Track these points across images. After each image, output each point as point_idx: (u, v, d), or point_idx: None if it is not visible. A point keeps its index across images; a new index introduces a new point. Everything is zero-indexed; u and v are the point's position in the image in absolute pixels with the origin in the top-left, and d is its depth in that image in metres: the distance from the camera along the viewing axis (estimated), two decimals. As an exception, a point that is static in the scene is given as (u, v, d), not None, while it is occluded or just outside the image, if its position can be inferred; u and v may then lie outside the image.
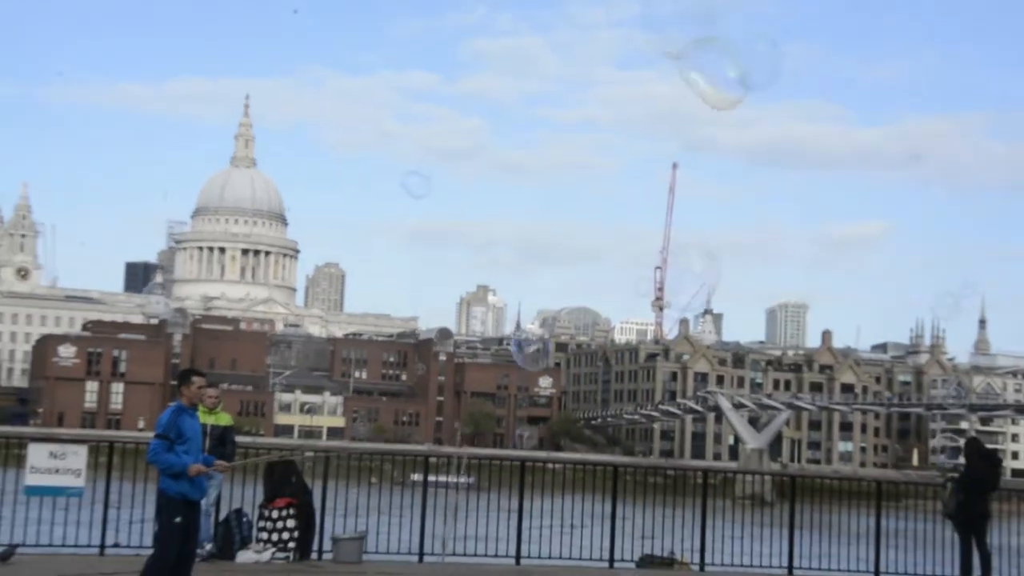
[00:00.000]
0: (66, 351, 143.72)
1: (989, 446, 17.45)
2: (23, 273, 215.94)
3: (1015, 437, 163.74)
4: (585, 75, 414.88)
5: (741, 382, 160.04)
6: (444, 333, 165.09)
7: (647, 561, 18.42)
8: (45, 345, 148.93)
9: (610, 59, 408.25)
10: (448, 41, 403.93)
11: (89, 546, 15.14)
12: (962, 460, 17.19)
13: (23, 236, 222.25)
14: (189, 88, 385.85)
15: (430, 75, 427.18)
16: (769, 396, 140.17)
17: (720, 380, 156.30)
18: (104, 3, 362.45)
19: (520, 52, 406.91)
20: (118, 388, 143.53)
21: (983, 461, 16.44)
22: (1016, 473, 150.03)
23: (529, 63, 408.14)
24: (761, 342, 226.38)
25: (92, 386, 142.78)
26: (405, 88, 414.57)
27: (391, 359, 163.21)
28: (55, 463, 14.80)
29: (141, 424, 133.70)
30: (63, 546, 15.43)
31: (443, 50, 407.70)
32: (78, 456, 14.92)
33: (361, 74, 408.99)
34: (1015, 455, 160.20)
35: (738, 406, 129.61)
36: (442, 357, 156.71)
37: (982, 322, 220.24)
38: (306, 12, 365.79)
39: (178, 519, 9.68)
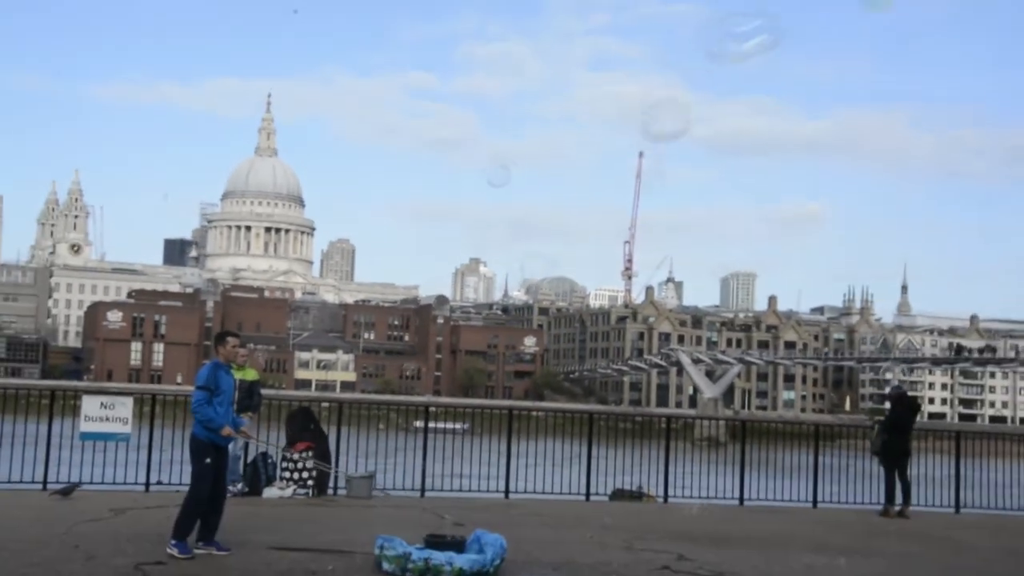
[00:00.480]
0: (114, 316, 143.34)
1: (910, 393, 17.57)
2: (76, 249, 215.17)
3: (931, 385, 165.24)
4: (563, 76, 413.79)
5: (699, 341, 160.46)
6: (441, 300, 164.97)
7: (619, 494, 18.53)
8: (95, 311, 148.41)
9: (585, 62, 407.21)
10: (445, 45, 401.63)
11: (136, 484, 15.17)
12: (887, 405, 17.31)
13: (76, 217, 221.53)
14: (219, 87, 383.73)
15: (428, 75, 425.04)
16: (723, 352, 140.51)
17: (681, 339, 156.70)
18: (145, 9, 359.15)
19: (508, 55, 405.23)
20: (159, 348, 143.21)
21: (904, 406, 16.56)
22: (932, 416, 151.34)
23: (515, 65, 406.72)
24: (716, 306, 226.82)
25: (136, 346, 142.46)
26: (407, 86, 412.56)
27: (395, 322, 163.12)
28: (105, 412, 14.80)
29: (179, 379, 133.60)
30: (114, 484, 15.47)
31: (440, 53, 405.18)
32: (125, 406, 14.92)
33: (368, 74, 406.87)
34: (931, 400, 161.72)
35: (696, 361, 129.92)
36: (440, 320, 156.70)
37: (904, 288, 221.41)
38: (319, 19, 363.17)
39: (208, 460, 9.61)
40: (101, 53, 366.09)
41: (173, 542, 9.33)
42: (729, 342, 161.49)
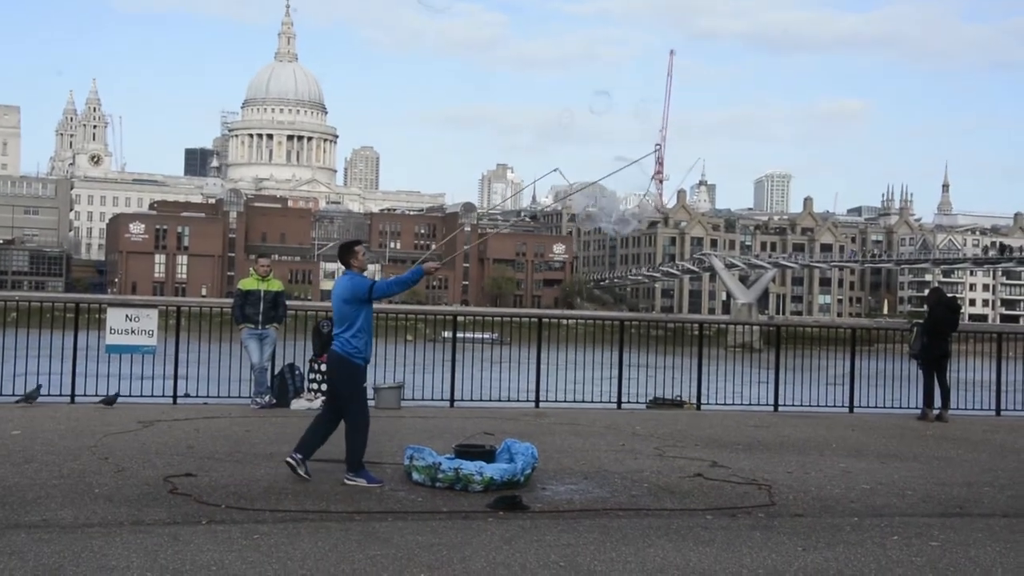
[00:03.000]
0: (136, 228, 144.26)
1: (949, 295, 17.40)
2: (96, 159, 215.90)
3: (972, 287, 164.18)
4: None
5: (732, 245, 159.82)
6: (468, 207, 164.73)
7: (657, 403, 18.58)
8: (118, 223, 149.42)
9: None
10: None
11: (164, 396, 15.40)
12: (926, 308, 17.17)
13: (95, 127, 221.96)
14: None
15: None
16: (757, 257, 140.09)
17: (714, 244, 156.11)
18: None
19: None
20: (182, 260, 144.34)
21: (944, 308, 16.42)
22: (973, 318, 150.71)
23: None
24: (750, 209, 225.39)
25: (160, 259, 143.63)
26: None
27: (421, 231, 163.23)
28: (130, 325, 14.95)
29: (204, 291, 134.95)
30: (141, 396, 15.71)
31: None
32: (150, 318, 15.06)
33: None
34: (972, 302, 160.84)
35: (730, 266, 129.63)
36: (467, 228, 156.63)
37: (945, 186, 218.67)
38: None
39: (365, 384, 9.22)
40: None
41: (352, 475, 8.83)
42: (763, 246, 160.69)
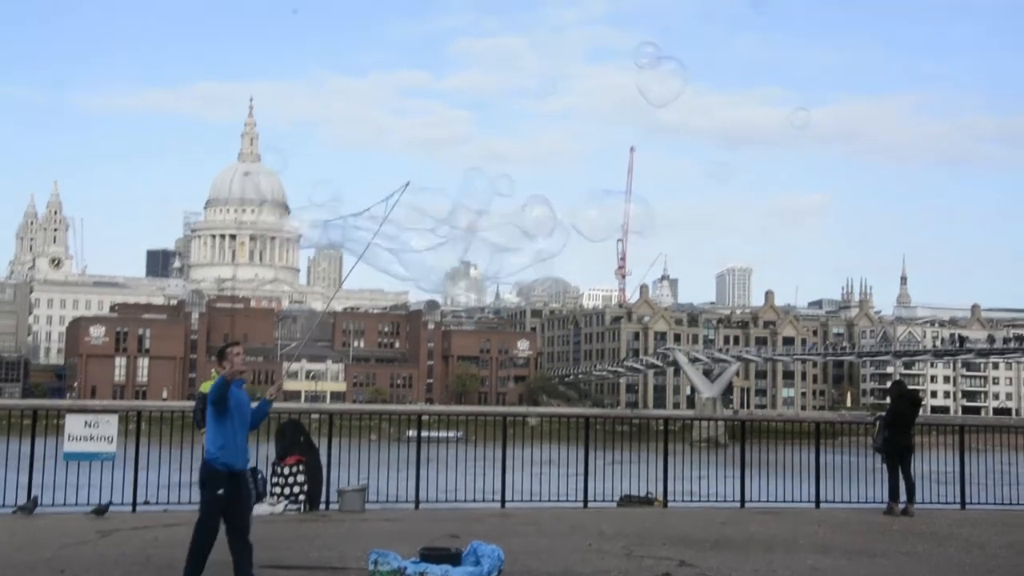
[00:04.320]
0: (96, 331, 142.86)
1: (911, 387, 17.58)
2: (56, 263, 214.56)
3: (933, 378, 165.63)
4: (559, 70, 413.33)
5: (696, 339, 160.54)
6: (432, 304, 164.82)
7: (627, 501, 18.48)
8: (78, 326, 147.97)
9: (580, 55, 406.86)
10: (437, 43, 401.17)
11: (122, 504, 15.10)
12: (888, 400, 17.31)
13: (55, 230, 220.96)
14: (202, 92, 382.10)
15: (421, 73, 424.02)
16: (720, 350, 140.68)
17: (677, 338, 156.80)
18: (124, 14, 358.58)
19: (502, 51, 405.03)
20: (143, 363, 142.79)
21: (905, 401, 16.58)
22: (935, 410, 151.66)
23: (510, 60, 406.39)
24: (712, 303, 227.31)
25: (120, 362, 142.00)
26: (398, 86, 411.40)
27: (385, 329, 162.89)
28: (90, 431, 14.74)
29: (165, 394, 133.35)
30: (99, 504, 15.40)
31: (433, 51, 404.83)
32: (110, 424, 14.86)
33: (357, 75, 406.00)
34: (933, 394, 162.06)
35: (693, 360, 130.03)
36: (430, 326, 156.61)
37: (903, 279, 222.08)
38: (305, 18, 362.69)
39: (220, 491, 8.81)
40: (78, 60, 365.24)
41: None
42: (726, 340, 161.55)
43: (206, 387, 14.68)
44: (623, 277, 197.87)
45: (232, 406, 8.93)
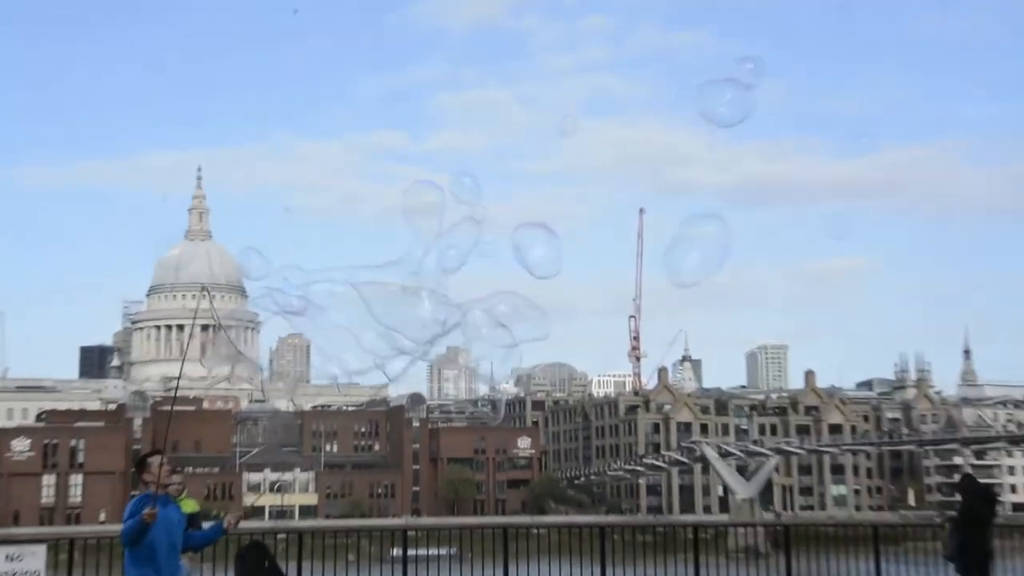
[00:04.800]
0: (20, 444, 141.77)
1: (984, 481, 17.42)
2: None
3: (1011, 469, 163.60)
4: (553, 124, 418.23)
5: (726, 429, 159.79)
6: (416, 399, 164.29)
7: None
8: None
9: (577, 106, 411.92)
10: (413, 98, 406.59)
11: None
12: (958, 498, 17.12)
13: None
14: (144, 163, 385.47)
15: (396, 133, 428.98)
16: (756, 442, 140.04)
17: (704, 429, 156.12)
18: (56, 78, 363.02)
19: (487, 104, 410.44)
20: (77, 480, 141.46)
21: (979, 498, 16.38)
22: (1016, 507, 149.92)
23: (496, 115, 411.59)
24: (743, 387, 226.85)
25: (49, 480, 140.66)
26: (370, 148, 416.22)
27: (362, 429, 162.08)
28: (12, 566, 14.51)
29: (102, 517, 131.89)
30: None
31: (408, 108, 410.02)
32: (36, 557, 14.63)
33: (323, 136, 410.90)
34: (1013, 488, 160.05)
35: (725, 455, 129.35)
36: (415, 423, 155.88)
37: (967, 352, 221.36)
38: (263, 76, 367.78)
39: None
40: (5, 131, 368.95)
41: None
42: (762, 429, 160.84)
43: (189, 506, 14.51)
44: (637, 359, 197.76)
45: (154, 539, 8.78)
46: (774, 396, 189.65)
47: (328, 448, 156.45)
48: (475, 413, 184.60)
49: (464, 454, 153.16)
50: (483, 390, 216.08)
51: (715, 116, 13.82)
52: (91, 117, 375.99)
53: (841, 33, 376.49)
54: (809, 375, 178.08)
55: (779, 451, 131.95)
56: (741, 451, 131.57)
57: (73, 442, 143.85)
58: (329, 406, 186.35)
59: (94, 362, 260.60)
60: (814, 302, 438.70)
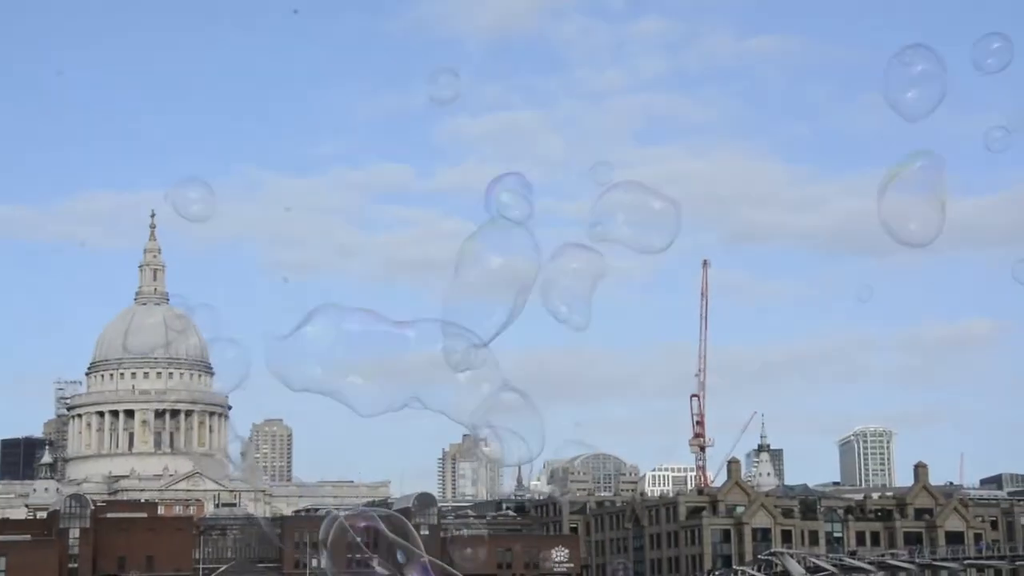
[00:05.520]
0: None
1: None
2: None
3: None
4: (596, 155, 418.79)
5: (814, 538, 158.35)
6: (425, 499, 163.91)
7: None
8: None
9: (628, 133, 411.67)
10: (419, 124, 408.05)
11: None
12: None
13: None
14: (82, 207, 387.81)
15: (398, 167, 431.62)
16: (852, 554, 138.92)
17: (787, 537, 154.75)
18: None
19: (511, 131, 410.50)
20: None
21: None
22: None
23: (524, 144, 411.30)
24: (835, 484, 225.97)
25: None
26: (367, 186, 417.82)
27: (358, 539, 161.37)
28: None
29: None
30: None
31: (413, 135, 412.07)
32: None
33: (309, 173, 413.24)
34: None
35: (813, 570, 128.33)
36: (424, 531, 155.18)
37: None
38: (231, 98, 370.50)
39: None
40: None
41: None
42: (860, 538, 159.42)
43: None
44: (701, 449, 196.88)
45: None
46: (875, 496, 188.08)
47: (315, 564, 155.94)
48: (499, 517, 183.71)
49: (486, 569, 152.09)
50: (509, 488, 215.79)
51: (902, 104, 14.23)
52: (8, 153, 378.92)
53: (963, 35, 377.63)
54: (920, 469, 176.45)
55: (883, 565, 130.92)
56: (834, 565, 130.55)
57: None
58: (317, 510, 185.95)
59: (20, 458, 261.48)
60: (927, 377, 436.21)
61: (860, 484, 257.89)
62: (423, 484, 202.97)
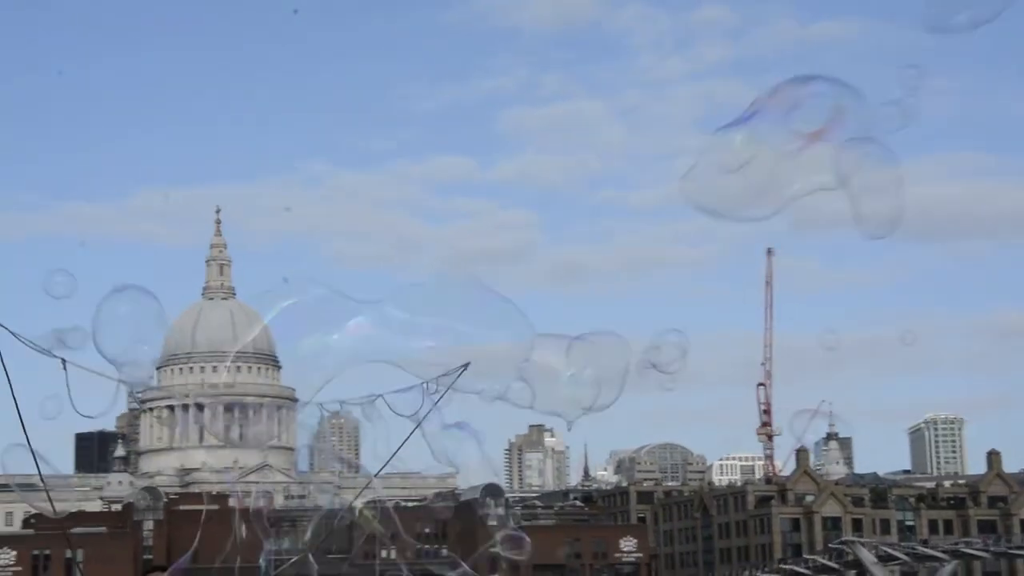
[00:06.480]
0: (3, 557, 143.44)
1: None
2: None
3: None
4: (659, 143, 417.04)
5: (885, 526, 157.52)
6: (492, 490, 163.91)
7: None
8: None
9: (690, 121, 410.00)
10: (480, 114, 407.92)
11: None
12: None
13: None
14: (147, 202, 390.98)
15: (460, 159, 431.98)
16: (925, 542, 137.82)
17: (857, 525, 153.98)
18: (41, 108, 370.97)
19: (573, 121, 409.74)
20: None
21: None
22: None
23: (586, 134, 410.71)
24: (906, 472, 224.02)
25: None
26: (429, 179, 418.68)
27: (426, 530, 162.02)
28: None
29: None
30: None
31: (474, 126, 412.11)
32: None
33: (371, 166, 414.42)
34: None
35: (885, 558, 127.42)
36: (492, 522, 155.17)
37: None
38: (291, 93, 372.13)
39: None
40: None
41: None
42: (933, 526, 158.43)
43: None
44: (769, 439, 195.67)
45: None
46: (947, 484, 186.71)
47: (384, 555, 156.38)
48: (566, 508, 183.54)
49: (554, 560, 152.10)
50: (575, 478, 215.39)
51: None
52: (77, 151, 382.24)
53: None
54: (993, 457, 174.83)
55: (957, 554, 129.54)
56: (907, 554, 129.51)
57: (69, 552, 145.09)
58: (385, 501, 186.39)
59: (94, 452, 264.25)
60: (998, 363, 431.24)
61: (931, 472, 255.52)
62: (490, 475, 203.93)
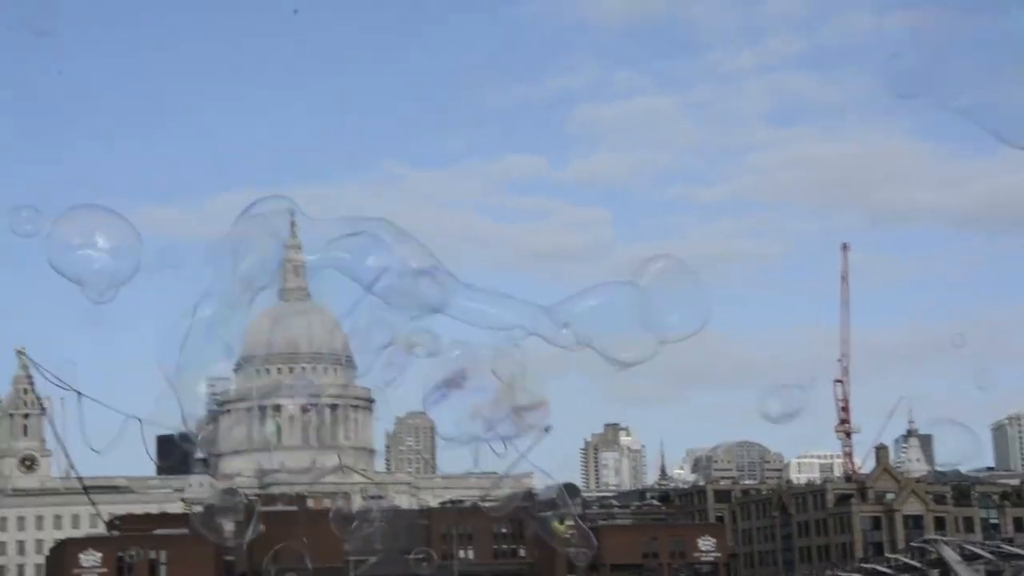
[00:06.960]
0: (89, 558, 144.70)
1: None
2: (29, 463, 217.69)
3: None
4: (731, 138, 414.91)
5: (969, 524, 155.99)
6: (569, 490, 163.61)
7: None
8: (63, 553, 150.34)
9: (763, 115, 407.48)
10: (551, 112, 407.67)
11: None
12: None
13: (25, 416, 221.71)
14: (224, 205, 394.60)
15: (531, 158, 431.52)
16: (1010, 541, 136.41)
17: (940, 523, 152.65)
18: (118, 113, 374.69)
19: (644, 117, 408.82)
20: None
21: None
22: None
23: (658, 131, 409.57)
24: (990, 468, 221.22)
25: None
26: (500, 177, 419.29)
27: (503, 530, 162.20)
28: None
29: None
30: None
31: (545, 124, 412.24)
32: None
33: (442, 165, 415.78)
34: None
35: (970, 557, 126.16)
36: (569, 521, 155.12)
37: None
38: (364, 94, 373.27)
39: None
40: (51, 173, 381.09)
41: None
42: (1018, 524, 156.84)
43: None
44: (847, 436, 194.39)
45: None
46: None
47: (462, 555, 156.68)
48: (643, 507, 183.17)
49: (632, 559, 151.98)
50: (651, 477, 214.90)
51: None
52: (152, 155, 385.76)
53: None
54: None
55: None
56: (992, 552, 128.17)
57: (153, 554, 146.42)
58: (461, 502, 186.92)
59: (175, 454, 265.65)
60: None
61: (1015, 469, 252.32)
62: (566, 474, 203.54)
